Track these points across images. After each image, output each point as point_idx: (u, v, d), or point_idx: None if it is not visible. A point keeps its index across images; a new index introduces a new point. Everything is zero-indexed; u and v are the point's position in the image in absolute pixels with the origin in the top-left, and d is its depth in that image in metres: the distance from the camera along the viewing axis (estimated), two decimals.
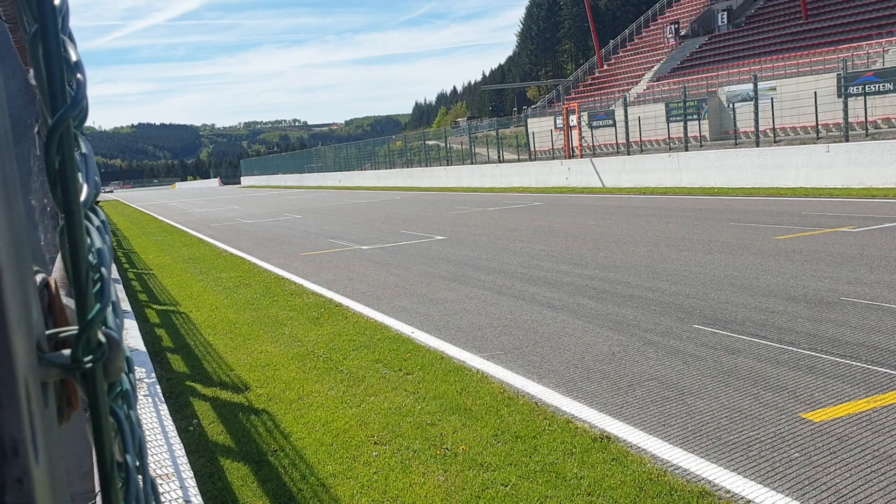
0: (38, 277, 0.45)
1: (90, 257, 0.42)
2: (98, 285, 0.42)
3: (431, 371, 6.01)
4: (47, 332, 0.44)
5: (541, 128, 41.93)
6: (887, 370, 5.08)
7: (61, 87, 0.42)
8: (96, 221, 0.45)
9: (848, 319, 6.48)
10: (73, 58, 0.43)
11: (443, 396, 5.37)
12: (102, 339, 0.42)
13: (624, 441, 4.33)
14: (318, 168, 70.94)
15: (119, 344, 0.43)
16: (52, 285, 0.47)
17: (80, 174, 0.42)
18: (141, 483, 0.45)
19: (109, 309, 0.43)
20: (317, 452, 4.58)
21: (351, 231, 19.09)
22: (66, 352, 0.42)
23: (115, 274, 11.48)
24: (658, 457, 4.08)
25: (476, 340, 6.94)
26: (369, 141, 66.25)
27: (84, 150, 0.45)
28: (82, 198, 0.42)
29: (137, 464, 0.45)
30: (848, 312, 6.72)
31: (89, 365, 0.42)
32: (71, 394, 0.45)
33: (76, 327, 0.42)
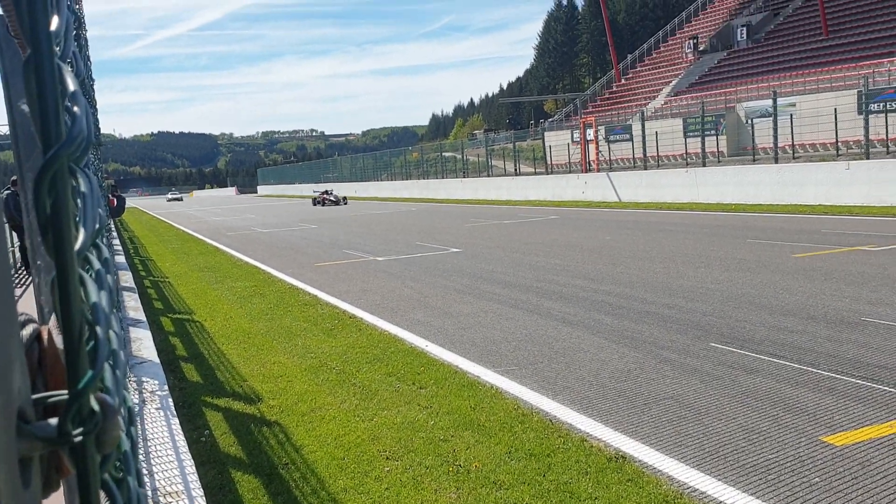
0: (29, 329, 0.41)
1: (85, 312, 0.38)
2: (92, 344, 0.38)
3: (445, 385, 5.96)
4: (34, 397, 0.39)
5: (558, 141, 41.87)
6: None
7: (56, 121, 0.37)
8: (96, 264, 0.41)
9: (869, 341, 6.38)
10: (71, 87, 0.39)
11: (456, 412, 5.31)
12: (96, 406, 0.38)
13: (639, 461, 4.26)
14: (335, 178, 71.18)
15: (114, 411, 0.38)
16: (45, 336, 0.43)
17: (75, 218, 0.38)
18: None
19: (107, 367, 0.39)
20: (328, 466, 4.54)
21: (366, 242, 19.09)
22: (53, 421, 0.37)
23: (130, 282, 11.52)
24: (674, 478, 4.01)
25: (490, 355, 6.89)
26: (386, 152, 66.44)
27: (83, 189, 0.41)
28: (77, 245, 0.38)
29: None
30: (869, 333, 6.62)
31: (79, 438, 0.37)
32: (61, 458, 0.41)
33: (66, 392, 0.38)
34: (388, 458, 4.60)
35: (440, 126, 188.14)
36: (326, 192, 44.34)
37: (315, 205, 43.90)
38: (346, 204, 42.44)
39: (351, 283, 12.02)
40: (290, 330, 8.60)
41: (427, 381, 6.11)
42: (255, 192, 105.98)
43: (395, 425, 5.15)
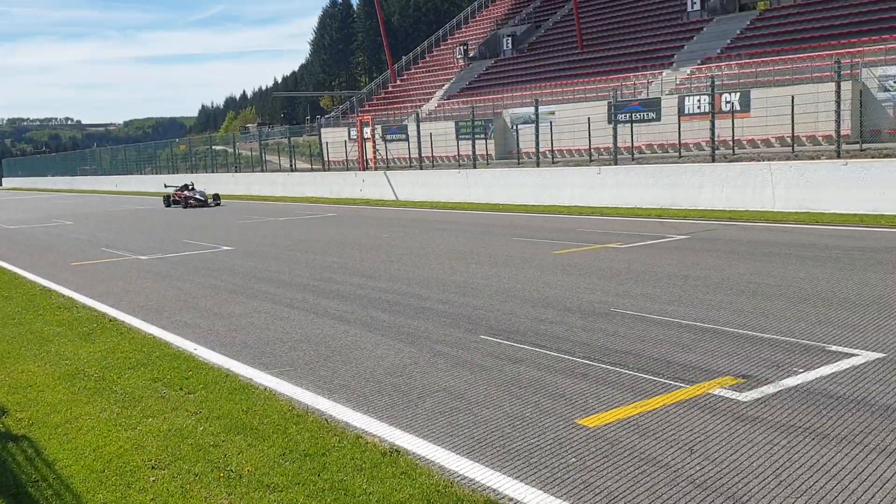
0: None
1: None
2: None
3: (215, 389, 5.73)
4: None
5: (334, 138, 41.81)
6: (651, 377, 5.53)
7: None
8: None
9: (617, 329, 6.99)
10: None
11: (227, 416, 5.13)
12: None
13: (413, 454, 4.36)
14: (93, 171, 66.30)
15: None
16: None
17: None
18: None
19: None
20: (86, 480, 4.20)
21: (128, 240, 17.93)
22: None
23: None
24: (446, 468, 4.14)
25: (264, 356, 6.73)
26: (150, 143, 63.09)
27: None
28: None
29: None
30: (617, 323, 7.25)
31: None
32: None
33: None
34: (153, 467, 4.34)
35: (210, 118, 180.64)
36: (188, 188, 30.92)
37: (169, 205, 31.06)
38: (218, 204, 30.31)
39: (111, 283, 11.22)
40: (42, 335, 7.86)
41: (196, 386, 5.85)
42: (0, 185, 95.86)
43: (161, 433, 4.87)
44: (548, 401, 5.13)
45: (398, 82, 54.29)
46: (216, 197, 30.80)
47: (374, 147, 34.74)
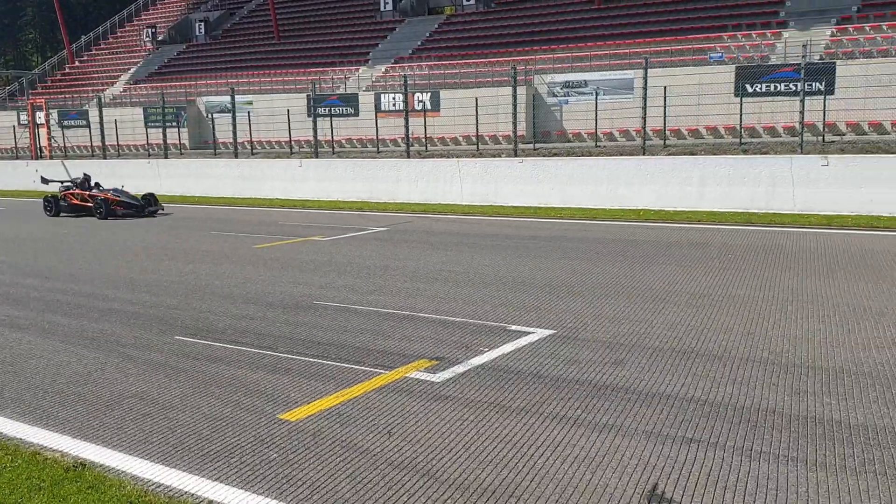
0: None
1: None
2: None
3: None
4: None
5: (1, 123, 37.20)
6: (353, 366, 5.66)
7: None
8: None
9: (320, 321, 7.06)
10: None
11: None
12: None
13: (101, 466, 4.04)
14: None
15: None
16: None
17: None
18: None
19: None
20: None
21: None
22: None
23: None
24: (139, 477, 3.90)
25: None
26: None
27: None
28: None
29: None
30: (320, 315, 7.32)
31: None
32: None
33: None
34: None
35: None
36: (89, 183, 18.35)
37: (57, 214, 18.21)
38: (154, 212, 17.75)
39: None
40: None
41: None
42: None
43: None
44: (248, 398, 5.03)
45: (77, 64, 49.69)
46: (153, 200, 18.10)
47: (48, 134, 31.50)
